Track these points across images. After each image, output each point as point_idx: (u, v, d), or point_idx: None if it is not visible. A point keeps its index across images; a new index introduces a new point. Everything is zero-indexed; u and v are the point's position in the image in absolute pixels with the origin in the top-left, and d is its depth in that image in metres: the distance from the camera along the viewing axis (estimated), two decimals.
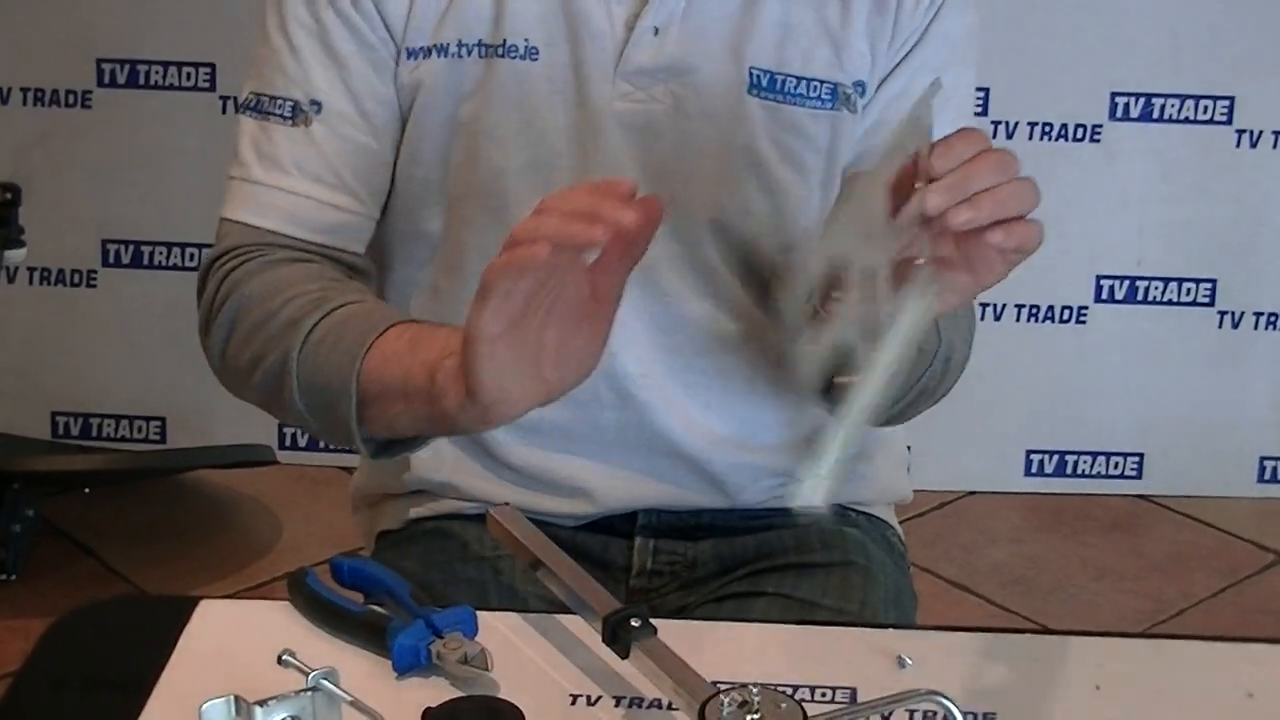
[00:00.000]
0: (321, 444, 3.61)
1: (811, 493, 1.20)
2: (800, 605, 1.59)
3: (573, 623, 1.30)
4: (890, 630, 1.40)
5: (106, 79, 3.44)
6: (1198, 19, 3.44)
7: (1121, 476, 3.71)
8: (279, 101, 1.52)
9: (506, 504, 1.43)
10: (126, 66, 3.44)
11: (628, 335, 1.54)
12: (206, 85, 3.43)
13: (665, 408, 1.59)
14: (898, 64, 1.55)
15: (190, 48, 3.43)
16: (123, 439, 3.67)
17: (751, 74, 1.52)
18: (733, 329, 1.59)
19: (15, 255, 2.86)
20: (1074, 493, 3.69)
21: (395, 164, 1.57)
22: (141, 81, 3.43)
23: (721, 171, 1.54)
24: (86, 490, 3.42)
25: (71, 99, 3.44)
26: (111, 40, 3.44)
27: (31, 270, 3.47)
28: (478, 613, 1.29)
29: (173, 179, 3.44)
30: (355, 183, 1.53)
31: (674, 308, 1.57)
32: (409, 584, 1.31)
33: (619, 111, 1.52)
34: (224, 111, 3.39)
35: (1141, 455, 3.70)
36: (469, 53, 1.51)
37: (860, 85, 1.54)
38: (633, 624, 1.21)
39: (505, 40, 1.51)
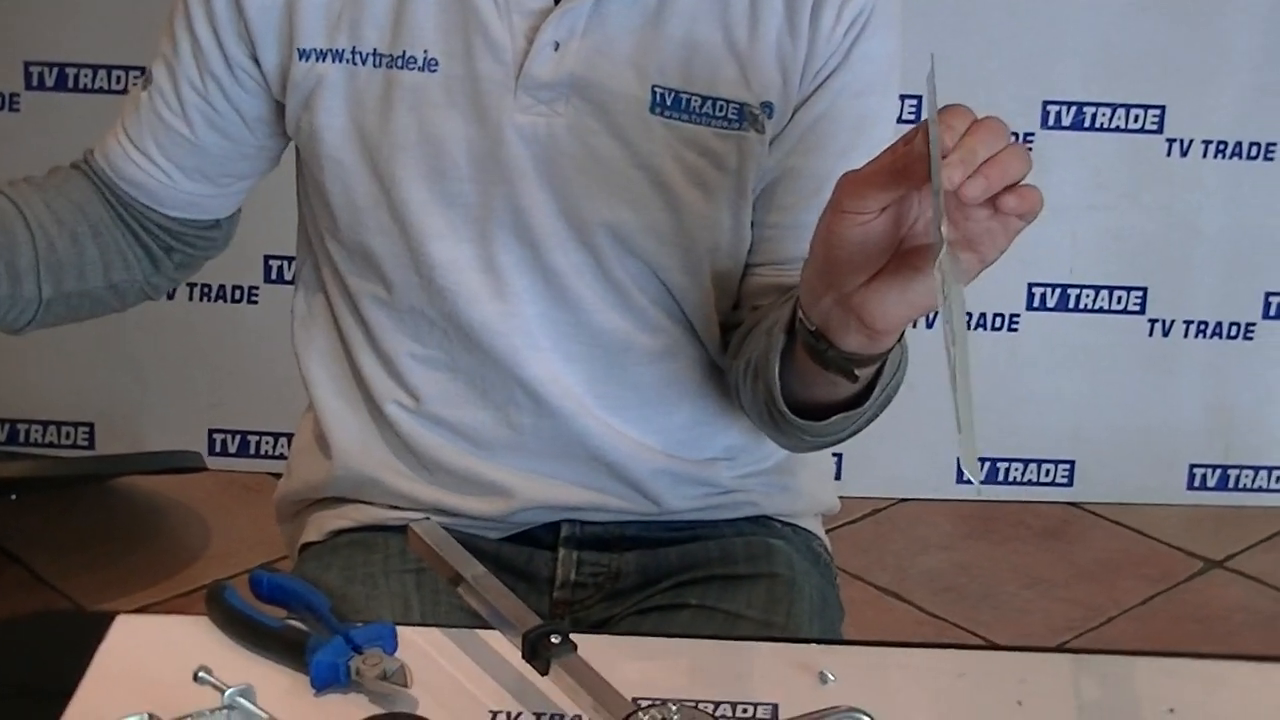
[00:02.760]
0: (252, 450, 3.64)
1: (970, 469, 1.17)
2: (725, 617, 1.59)
3: (493, 638, 1.30)
4: (813, 645, 1.39)
5: (35, 82, 3.42)
6: (1129, 30, 3.46)
7: (1053, 484, 3.72)
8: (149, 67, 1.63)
9: (427, 517, 1.43)
10: (54, 69, 3.42)
11: (536, 342, 1.56)
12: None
13: (580, 414, 1.59)
14: (818, 87, 1.54)
15: (118, 51, 3.41)
16: (50, 445, 3.64)
17: (655, 92, 1.51)
18: (646, 342, 1.59)
19: None
20: (1006, 500, 3.70)
21: (301, 169, 1.62)
22: (70, 85, 3.41)
23: (625, 188, 1.52)
24: (13, 497, 3.39)
25: None
26: (39, 43, 3.42)
27: None
28: (398, 628, 1.28)
29: None
30: (159, 154, 1.61)
31: (584, 318, 1.56)
32: (329, 599, 1.30)
33: (519, 124, 1.51)
34: None
35: (1073, 463, 3.72)
36: (365, 61, 1.52)
37: (768, 106, 1.52)
38: (552, 640, 1.21)
39: (404, 51, 1.51)
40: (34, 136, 3.38)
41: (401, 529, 1.55)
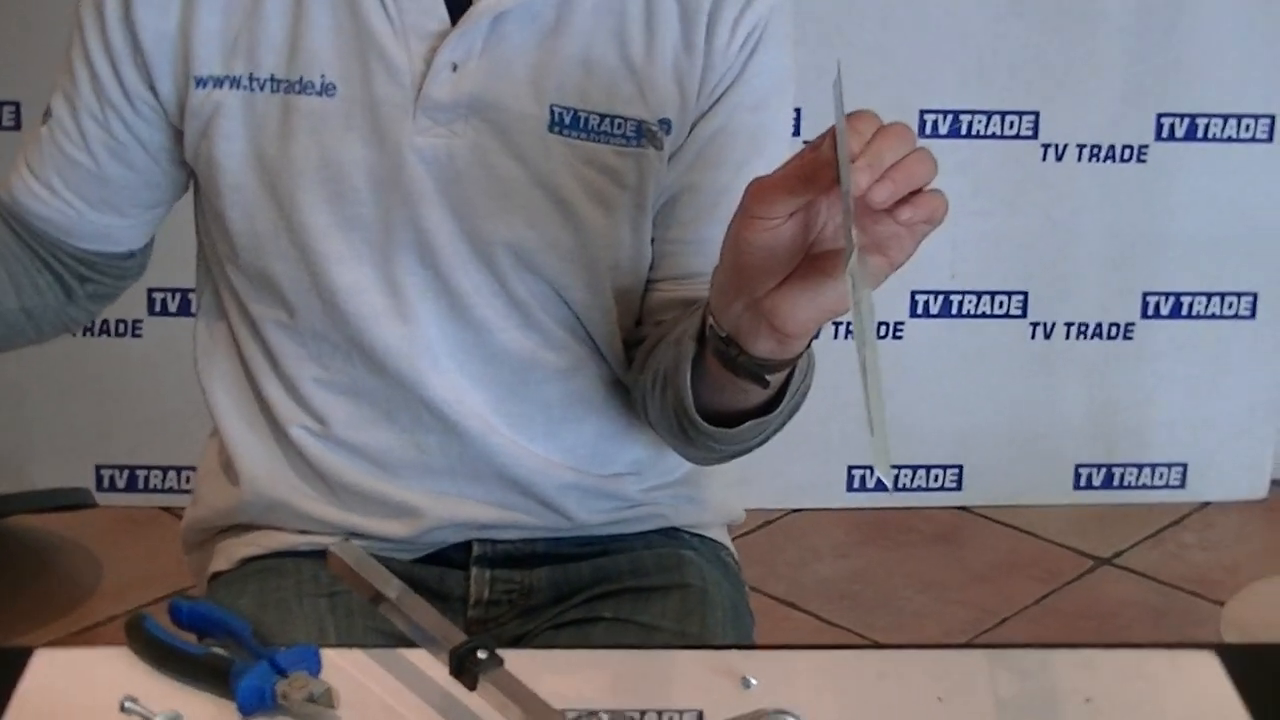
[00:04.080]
0: (141, 484, 3.60)
1: (883, 471, 1.15)
2: (640, 629, 1.60)
3: (418, 657, 1.30)
4: (732, 650, 1.40)
5: None
6: (1001, 37, 3.50)
7: (942, 489, 3.76)
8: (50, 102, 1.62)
9: (347, 538, 1.43)
10: None
11: (440, 363, 1.57)
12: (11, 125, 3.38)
13: (487, 433, 1.59)
14: (715, 102, 1.55)
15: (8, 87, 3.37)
16: None
17: (553, 111, 1.52)
18: (550, 360, 1.59)
19: None
20: (896, 506, 3.73)
21: (199, 197, 1.62)
22: None
23: (525, 206, 1.53)
24: None
25: None
26: None
27: None
28: (321, 650, 1.28)
29: None
30: (63, 188, 1.60)
31: (487, 338, 1.57)
32: (249, 624, 1.30)
33: (419, 146, 1.51)
34: None
35: (961, 467, 3.75)
36: (262, 87, 1.52)
37: (666, 123, 1.53)
38: (479, 655, 1.21)
39: (301, 77, 1.51)
40: None
41: (313, 554, 1.56)
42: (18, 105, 3.35)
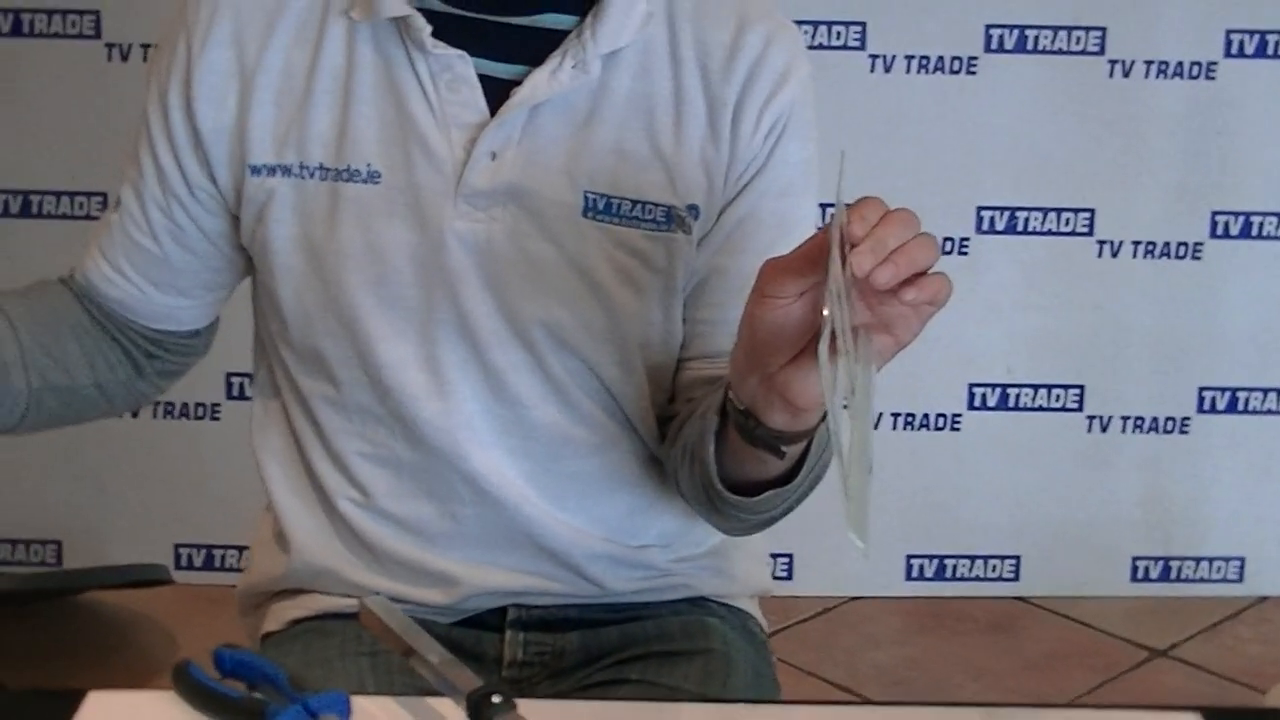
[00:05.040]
0: (216, 563, 3.68)
1: (856, 539, 1.23)
2: (663, 691, 1.66)
3: (441, 704, 1.37)
4: (741, 705, 1.47)
5: None
6: (1057, 136, 3.55)
7: (999, 579, 3.78)
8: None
9: (378, 594, 1.50)
10: (19, 196, 3.50)
11: (478, 437, 1.64)
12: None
13: (522, 504, 1.66)
14: (741, 189, 1.62)
15: (79, 178, 3.49)
16: (20, 563, 3.67)
17: (587, 197, 1.59)
18: (583, 435, 1.66)
19: None
20: (953, 596, 3.76)
21: (255, 279, 1.70)
22: (33, 211, 3.50)
23: (560, 288, 1.60)
24: None
25: None
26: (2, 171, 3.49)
27: None
28: (352, 697, 1.36)
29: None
30: (132, 271, 1.69)
31: (523, 413, 1.64)
32: (286, 672, 1.39)
33: (459, 231, 1.58)
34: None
35: (1018, 558, 3.78)
36: (311, 175, 1.60)
37: (694, 208, 1.60)
38: (493, 700, 1.29)
39: (349, 165, 1.59)
40: None
41: (356, 616, 1.63)
42: (104, 195, 3.47)
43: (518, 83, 1.58)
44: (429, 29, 1.57)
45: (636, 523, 1.71)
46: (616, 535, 1.70)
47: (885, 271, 1.24)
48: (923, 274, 1.26)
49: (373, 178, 1.59)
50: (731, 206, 1.63)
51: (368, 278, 1.61)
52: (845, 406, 1.26)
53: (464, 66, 1.58)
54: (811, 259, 1.30)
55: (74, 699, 1.39)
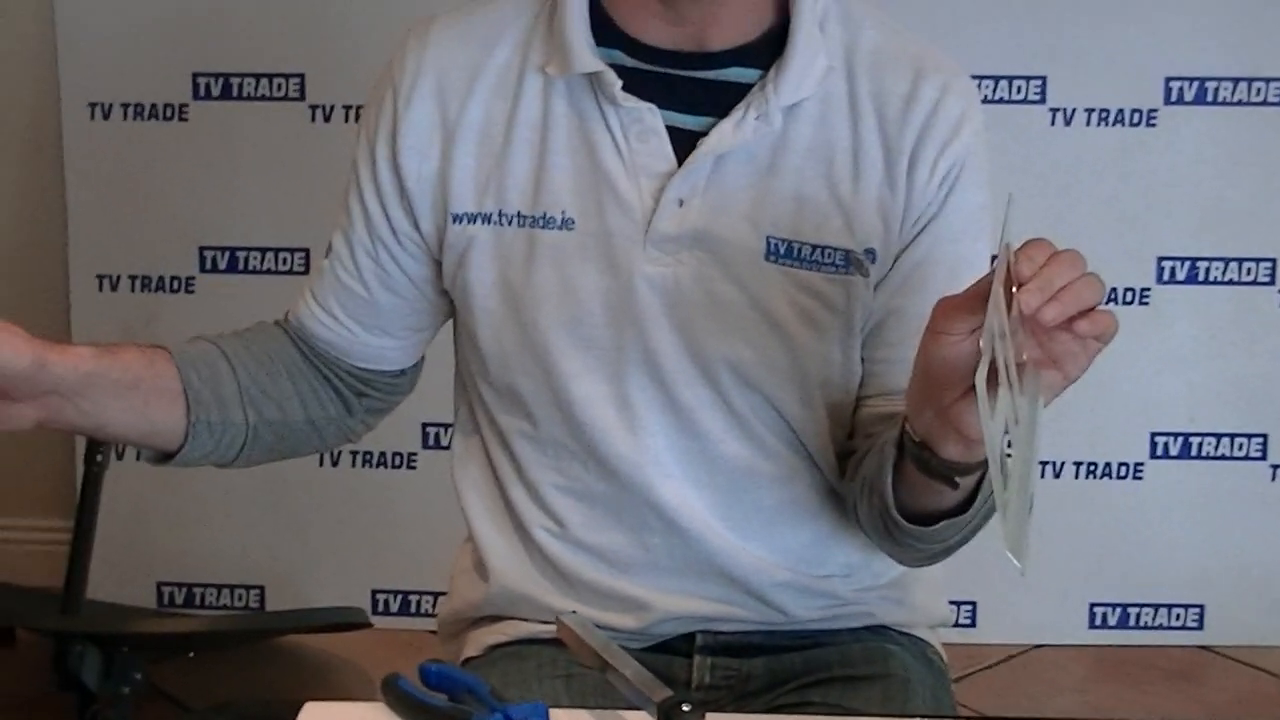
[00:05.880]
0: (413, 609, 3.75)
1: (1013, 558, 1.27)
2: (845, 714, 1.71)
3: (636, 717, 1.44)
4: None
5: (208, 265, 3.63)
6: (1235, 185, 3.56)
7: (1183, 628, 3.76)
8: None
9: (574, 611, 1.58)
10: (226, 253, 3.63)
11: (666, 470, 1.71)
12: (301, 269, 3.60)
13: (708, 535, 1.72)
14: (917, 234, 1.68)
15: (282, 236, 3.61)
16: (225, 607, 3.77)
17: (769, 242, 1.66)
18: (767, 468, 1.72)
19: None
20: (1137, 644, 3.75)
21: (456, 320, 1.78)
22: (240, 267, 3.62)
23: (744, 329, 1.67)
24: (190, 654, 3.52)
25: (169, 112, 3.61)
26: (211, 229, 3.62)
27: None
28: (550, 709, 1.42)
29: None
30: (341, 313, 1.78)
31: (709, 447, 1.71)
32: (487, 684, 1.47)
33: (649, 274, 1.66)
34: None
35: (1202, 606, 3.75)
36: (509, 222, 1.69)
37: (871, 252, 1.66)
38: (684, 709, 1.36)
39: (545, 213, 1.67)
40: (207, 316, 3.56)
41: (552, 641, 1.68)
42: (307, 251, 3.60)
43: (704, 133, 1.65)
44: (619, 83, 1.65)
45: (819, 553, 1.77)
46: (799, 565, 1.76)
47: (1052, 309, 1.31)
48: (1090, 310, 1.33)
49: (567, 224, 1.68)
50: (907, 251, 1.69)
51: (562, 319, 1.69)
52: (1007, 434, 1.32)
53: (653, 118, 1.66)
54: (983, 297, 1.36)
55: (292, 710, 1.48)
